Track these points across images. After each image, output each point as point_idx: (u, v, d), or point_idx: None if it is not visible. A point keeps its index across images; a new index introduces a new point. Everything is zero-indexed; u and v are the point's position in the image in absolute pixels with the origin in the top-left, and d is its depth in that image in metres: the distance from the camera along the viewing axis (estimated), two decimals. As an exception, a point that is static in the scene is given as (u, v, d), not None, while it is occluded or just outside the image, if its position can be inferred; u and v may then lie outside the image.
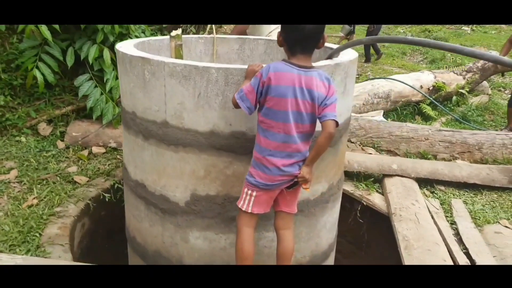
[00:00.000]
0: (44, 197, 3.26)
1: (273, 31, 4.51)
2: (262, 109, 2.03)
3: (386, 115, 6.68)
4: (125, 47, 2.57)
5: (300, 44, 2.03)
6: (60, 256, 2.59)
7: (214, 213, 2.41)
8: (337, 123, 2.00)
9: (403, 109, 6.90)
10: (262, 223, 2.43)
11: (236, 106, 2.05)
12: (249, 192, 2.14)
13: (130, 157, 2.67)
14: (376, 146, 5.25)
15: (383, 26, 16.20)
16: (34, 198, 3.22)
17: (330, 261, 2.97)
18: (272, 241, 2.48)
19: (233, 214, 2.39)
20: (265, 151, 2.06)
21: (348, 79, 2.48)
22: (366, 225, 4.51)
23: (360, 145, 5.37)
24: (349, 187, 4.40)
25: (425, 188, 4.36)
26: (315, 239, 2.69)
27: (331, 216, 2.80)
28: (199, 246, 2.49)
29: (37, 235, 2.77)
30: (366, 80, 7.35)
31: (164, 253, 2.62)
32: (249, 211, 2.15)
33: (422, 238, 3.36)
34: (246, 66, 2.16)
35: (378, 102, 6.66)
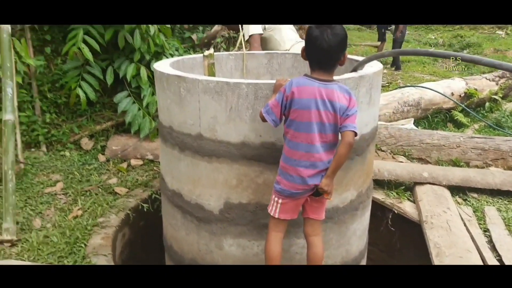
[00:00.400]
0: (88, 208, 3.47)
1: (292, 46, 4.67)
2: (287, 121, 2.16)
3: (417, 123, 6.66)
4: (162, 66, 2.75)
5: (320, 61, 2.14)
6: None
7: (246, 220, 2.54)
8: (355, 133, 2.09)
9: (434, 117, 6.86)
10: (293, 230, 2.54)
11: (263, 119, 2.19)
12: (276, 199, 2.26)
13: (167, 168, 2.84)
14: (407, 154, 5.25)
15: (412, 33, 16.04)
16: (78, 209, 3.44)
17: (361, 267, 3.03)
18: (303, 247, 2.58)
19: (264, 221, 2.50)
20: (290, 160, 2.17)
21: (373, 90, 2.57)
22: (398, 233, 4.52)
23: (390, 154, 5.39)
24: (380, 195, 4.44)
25: (457, 196, 4.33)
26: (345, 246, 2.77)
27: (361, 224, 2.87)
28: (233, 253, 2.62)
29: (83, 245, 2.97)
30: (396, 89, 7.35)
31: (199, 260, 2.75)
32: (276, 216, 2.27)
33: (454, 245, 3.36)
34: (274, 81, 2.30)
35: (409, 110, 6.65)
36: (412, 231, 4.09)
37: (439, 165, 5.01)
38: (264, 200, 2.49)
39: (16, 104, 3.91)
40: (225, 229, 2.59)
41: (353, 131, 2.08)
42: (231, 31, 5.52)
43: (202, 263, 2.74)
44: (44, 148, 4.33)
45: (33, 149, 4.29)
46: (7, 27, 3.16)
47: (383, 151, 5.41)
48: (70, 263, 2.80)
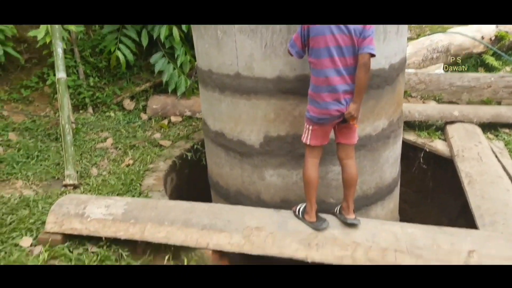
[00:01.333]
0: (138, 158, 3.78)
1: None
2: (309, 50, 2.31)
3: (446, 69, 6.63)
4: (197, 14, 2.94)
5: None
6: (159, 199, 3.06)
7: (285, 151, 2.75)
8: (372, 55, 2.18)
9: (464, 62, 6.79)
10: (328, 158, 2.73)
11: (290, 53, 2.35)
12: (307, 126, 2.43)
13: (209, 112, 3.07)
14: (437, 98, 5.30)
15: None
16: (129, 159, 3.75)
17: (395, 195, 3.22)
18: (338, 174, 2.77)
19: (301, 151, 2.70)
20: (316, 88, 2.33)
21: (400, 20, 2.68)
22: (431, 172, 4.64)
23: (421, 99, 5.45)
24: (411, 136, 4.55)
25: (488, 133, 4.41)
26: (379, 172, 2.95)
27: (393, 151, 3.03)
28: (274, 182, 2.85)
29: (138, 185, 3.27)
30: (424, 36, 7.28)
31: (244, 191, 3.00)
32: (308, 143, 2.44)
33: (485, 173, 3.48)
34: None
35: (438, 57, 6.61)
36: (445, 168, 4.21)
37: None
38: (300, 132, 2.67)
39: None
40: (266, 161, 2.81)
41: (369, 53, 2.17)
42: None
43: (246, 194, 2.99)
44: (90, 110, 4.65)
45: (81, 111, 4.61)
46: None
47: (413, 97, 5.47)
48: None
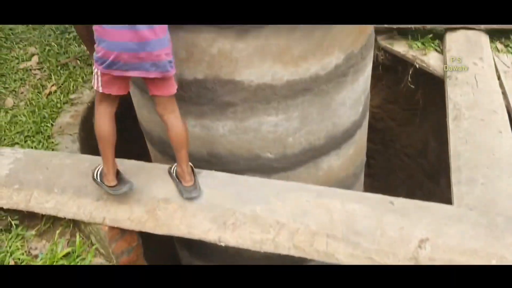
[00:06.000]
0: (62, 83, 3.19)
1: None
2: None
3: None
4: None
5: None
6: (67, 147, 2.57)
7: (206, 99, 2.14)
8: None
9: None
10: (261, 107, 2.14)
11: None
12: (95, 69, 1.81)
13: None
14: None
15: None
16: (52, 85, 3.18)
17: (357, 139, 2.64)
18: (274, 125, 2.20)
19: (227, 99, 2.11)
20: None
21: None
22: (421, 90, 3.96)
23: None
24: (401, 47, 3.78)
25: (497, 41, 3.60)
26: (332, 119, 2.34)
27: (354, 91, 2.38)
28: (198, 133, 2.30)
29: (49, 125, 2.76)
30: None
31: (166, 139, 2.45)
32: (100, 91, 1.83)
33: (477, 106, 2.83)
34: None
35: None
36: (437, 90, 3.52)
37: None
38: (222, 74, 2.05)
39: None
40: (184, 109, 2.21)
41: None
42: None
43: (169, 143, 2.46)
44: (19, 16, 3.92)
45: (7, 19, 3.90)
46: None
47: None
48: (35, 144, 2.63)
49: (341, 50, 2.15)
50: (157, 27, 1.69)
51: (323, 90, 2.20)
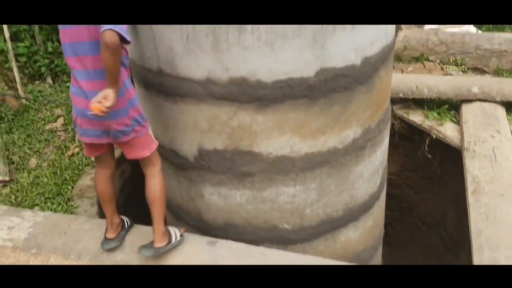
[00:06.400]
0: (85, 145, 3.28)
1: None
2: None
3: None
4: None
5: None
6: (85, 210, 2.60)
7: (224, 168, 2.17)
8: (116, 32, 1.57)
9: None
10: (279, 178, 2.15)
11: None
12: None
13: (143, 107, 2.49)
14: (459, 63, 4.45)
15: None
16: (75, 147, 3.26)
17: (375, 211, 2.61)
18: (293, 196, 2.20)
19: (244, 169, 2.13)
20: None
21: (379, -3, 1.93)
22: (438, 159, 3.95)
23: (439, 64, 4.61)
24: (417, 117, 3.83)
25: (514, 114, 3.63)
26: (349, 191, 2.34)
27: (371, 164, 2.39)
28: (215, 202, 2.30)
29: (69, 187, 2.81)
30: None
31: (184, 207, 2.49)
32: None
33: (496, 180, 2.80)
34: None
35: (469, 8, 5.57)
36: (456, 157, 3.51)
37: (498, 75, 4.21)
38: (242, 146, 2.09)
39: (8, 35, 3.66)
40: (203, 177, 2.25)
41: (110, 29, 1.56)
42: None
43: (187, 210, 2.48)
44: (49, 80, 4.12)
45: (37, 82, 4.10)
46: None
47: (431, 61, 4.66)
48: (54, 206, 2.66)
49: (359, 125, 2.19)
50: None
51: (341, 163, 2.21)
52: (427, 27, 5.43)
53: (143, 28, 1.99)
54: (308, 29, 1.81)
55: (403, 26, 4.84)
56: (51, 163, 3.10)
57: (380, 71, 2.18)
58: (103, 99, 1.64)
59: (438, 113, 3.75)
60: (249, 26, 1.78)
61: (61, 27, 1.82)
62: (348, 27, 1.87)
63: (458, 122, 3.65)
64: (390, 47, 2.24)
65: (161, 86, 2.09)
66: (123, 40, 1.61)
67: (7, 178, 2.92)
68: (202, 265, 1.98)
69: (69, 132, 3.48)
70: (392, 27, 2.21)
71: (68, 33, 1.78)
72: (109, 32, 1.56)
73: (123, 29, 1.60)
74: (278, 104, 1.97)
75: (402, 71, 4.45)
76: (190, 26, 1.83)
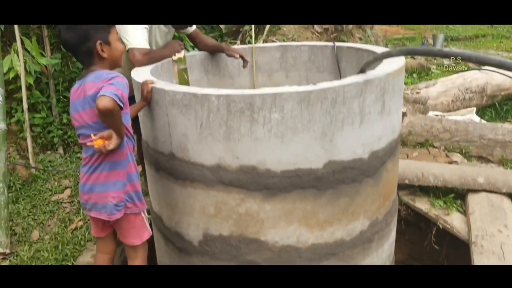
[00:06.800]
0: (88, 219, 3.26)
1: None
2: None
3: (481, 112, 5.78)
4: (139, 72, 2.38)
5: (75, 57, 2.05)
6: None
7: (229, 255, 2.14)
8: (110, 97, 1.67)
9: (503, 105, 5.90)
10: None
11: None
12: None
13: (149, 187, 2.51)
14: (464, 151, 4.52)
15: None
16: (79, 220, 3.25)
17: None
18: None
19: (250, 257, 2.10)
20: None
21: (387, 95, 2.02)
22: (446, 251, 3.87)
23: (444, 151, 4.68)
24: (423, 204, 3.81)
25: (521, 207, 3.60)
26: (355, 284, 2.27)
27: (378, 257, 2.35)
28: (217, 289, 2.24)
29: (69, 263, 2.75)
30: (460, 71, 6.45)
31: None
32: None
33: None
34: (249, 92, 1.85)
35: (471, 98, 5.77)
36: (462, 252, 3.44)
37: (503, 165, 4.25)
38: (248, 233, 2.08)
39: (26, 107, 3.79)
40: (207, 263, 2.21)
41: (103, 95, 1.66)
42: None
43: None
44: (60, 150, 4.21)
45: (49, 152, 4.18)
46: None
47: (436, 147, 4.72)
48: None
49: (366, 217, 2.18)
50: (105, 173, 1.90)
51: (348, 256, 2.18)
52: (431, 113, 5.59)
53: (159, 114, 2.07)
54: (318, 124, 1.88)
55: (408, 112, 4.99)
56: (53, 236, 3.07)
57: (387, 164, 2.22)
58: (107, 139, 1.78)
59: (444, 202, 3.74)
60: (261, 119, 1.85)
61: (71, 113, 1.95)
62: (356, 123, 1.94)
63: (464, 212, 3.62)
64: (397, 141, 2.30)
65: (172, 169, 2.12)
66: (118, 103, 1.72)
67: (7, 251, 2.88)
68: None
69: (74, 205, 3.48)
70: (398, 123, 2.29)
71: (77, 118, 1.89)
72: (103, 97, 1.68)
73: (116, 94, 1.70)
74: (286, 193, 1.99)
75: (408, 156, 4.51)
76: (204, 115, 1.91)
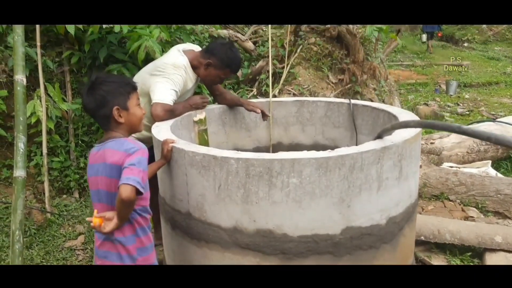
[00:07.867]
0: (101, 268, 3.24)
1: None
2: None
3: (496, 164, 5.72)
4: (160, 128, 2.43)
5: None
6: None
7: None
8: (133, 187, 1.66)
9: (519, 156, 5.85)
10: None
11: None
12: None
13: (164, 243, 2.51)
14: (480, 206, 4.45)
15: (505, 48, 14.67)
16: (91, 269, 3.23)
17: None
18: None
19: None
20: None
21: (404, 161, 2.03)
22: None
23: (460, 205, 4.61)
24: (439, 261, 3.72)
25: (540, 267, 3.50)
26: None
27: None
28: None
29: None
30: (475, 122, 6.46)
31: None
32: None
33: None
34: (268, 156, 1.88)
35: (487, 150, 5.73)
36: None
37: (521, 222, 4.16)
38: (262, 296, 2.04)
39: (45, 151, 3.87)
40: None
41: (127, 183, 1.65)
42: (277, 67, 5.13)
43: None
44: (76, 194, 4.24)
45: (65, 195, 4.22)
46: (22, 80, 3.07)
47: (451, 201, 4.66)
48: None
49: (383, 282, 2.15)
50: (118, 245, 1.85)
51: (364, 322, 2.13)
52: (446, 165, 5.54)
53: (178, 173, 2.10)
54: (335, 190, 1.88)
55: (422, 163, 4.96)
56: (63, 286, 3.05)
57: (405, 229, 2.20)
58: (107, 219, 1.76)
59: (461, 260, 3.65)
60: (279, 183, 1.87)
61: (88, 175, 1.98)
62: (374, 189, 1.94)
63: (483, 272, 3.53)
64: (414, 205, 2.28)
65: (188, 228, 2.13)
66: (138, 192, 1.70)
67: (18, 299, 2.86)
68: None
69: (87, 252, 3.47)
70: (415, 187, 2.28)
71: (93, 181, 1.90)
72: (126, 186, 1.66)
73: (139, 182, 1.69)
74: (302, 258, 1.97)
75: (423, 209, 4.45)
76: (223, 177, 1.93)
